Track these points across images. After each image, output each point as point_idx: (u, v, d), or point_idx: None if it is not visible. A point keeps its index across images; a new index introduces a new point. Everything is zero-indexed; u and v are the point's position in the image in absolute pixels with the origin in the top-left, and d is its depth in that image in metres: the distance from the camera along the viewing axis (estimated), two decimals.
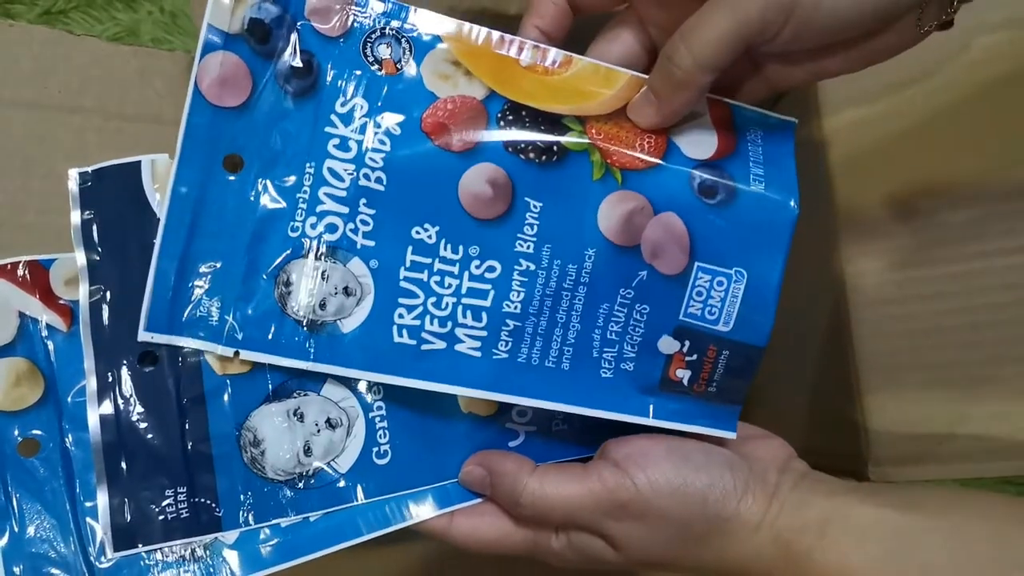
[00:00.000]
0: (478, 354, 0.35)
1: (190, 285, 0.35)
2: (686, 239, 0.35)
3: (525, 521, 0.36)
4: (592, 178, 0.35)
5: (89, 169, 0.36)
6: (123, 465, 0.35)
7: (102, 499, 0.35)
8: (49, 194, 0.48)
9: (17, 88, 0.48)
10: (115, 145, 0.50)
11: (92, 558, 0.34)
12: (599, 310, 0.36)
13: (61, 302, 0.36)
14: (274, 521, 0.36)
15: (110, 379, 0.35)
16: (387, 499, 0.37)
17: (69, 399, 0.35)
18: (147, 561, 0.35)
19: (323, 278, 0.35)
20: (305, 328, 0.35)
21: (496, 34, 0.36)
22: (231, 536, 0.35)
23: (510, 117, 0.35)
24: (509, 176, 0.35)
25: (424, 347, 0.35)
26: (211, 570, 0.35)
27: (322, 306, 0.35)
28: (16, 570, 0.34)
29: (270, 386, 0.36)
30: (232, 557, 0.35)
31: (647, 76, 0.36)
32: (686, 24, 0.33)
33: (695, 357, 0.36)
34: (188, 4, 0.48)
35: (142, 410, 0.35)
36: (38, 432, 0.35)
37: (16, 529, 0.34)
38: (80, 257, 0.35)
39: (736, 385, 0.37)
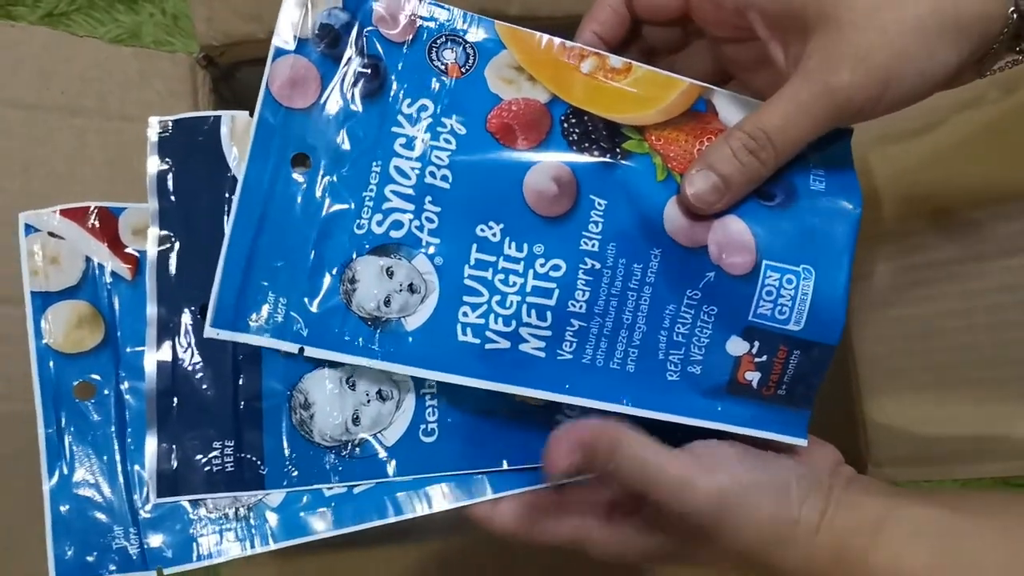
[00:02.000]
0: (542, 354, 0.35)
1: (257, 282, 0.35)
2: (751, 240, 0.35)
3: (607, 479, 0.34)
4: (656, 179, 0.36)
5: (169, 119, 0.36)
6: (174, 413, 0.35)
7: (151, 444, 0.35)
8: (50, 195, 0.48)
9: (18, 89, 0.49)
10: (116, 146, 0.50)
11: (137, 506, 0.34)
12: (665, 311, 0.36)
13: (128, 251, 0.36)
14: (317, 486, 0.35)
15: (170, 327, 0.35)
16: (431, 479, 0.36)
17: (128, 349, 0.36)
18: (191, 515, 0.35)
19: (388, 275, 0.35)
20: (369, 325, 0.35)
21: (557, 41, 0.37)
22: (275, 499, 0.35)
23: (573, 120, 0.36)
24: (574, 174, 0.35)
25: (488, 346, 0.35)
26: (252, 531, 0.35)
27: (387, 303, 0.35)
28: (62, 509, 0.34)
29: None
30: (274, 520, 0.35)
31: (707, 85, 0.37)
32: (771, 117, 0.33)
33: (765, 358, 0.36)
34: (189, 6, 0.48)
35: (199, 360, 0.35)
36: (95, 376, 0.35)
37: (66, 471, 0.34)
38: (152, 203, 0.35)
39: (806, 387, 0.36)
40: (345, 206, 0.35)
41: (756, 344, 0.36)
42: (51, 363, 0.35)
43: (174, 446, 0.35)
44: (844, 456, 0.38)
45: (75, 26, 0.80)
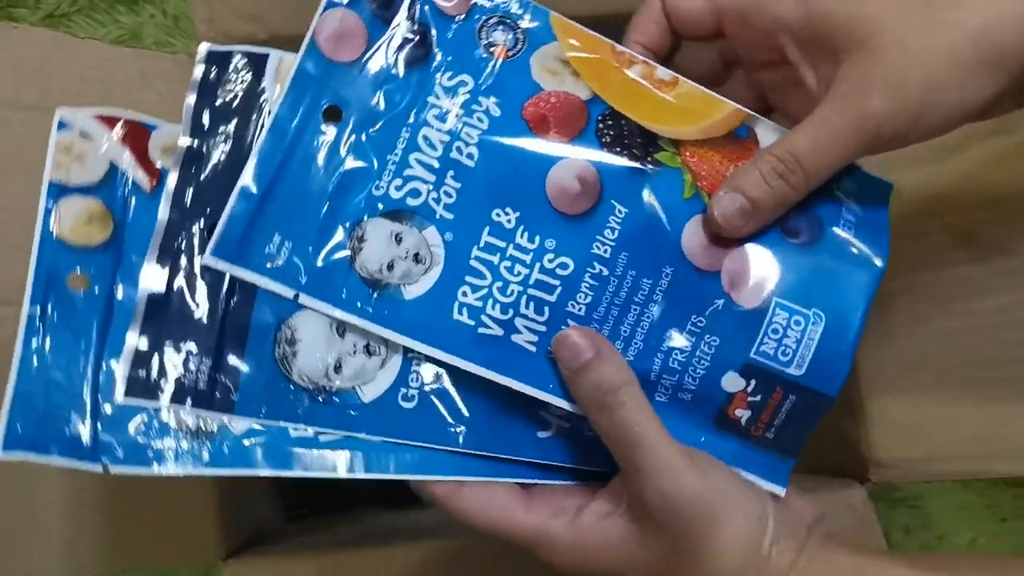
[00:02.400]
0: (533, 348, 0.35)
1: (266, 222, 0.34)
2: (768, 276, 0.35)
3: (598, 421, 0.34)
4: (682, 195, 0.35)
5: (218, 48, 0.36)
6: (160, 319, 0.34)
7: (130, 342, 0.34)
8: None
9: (19, 90, 0.49)
10: None
11: (100, 400, 0.34)
12: (666, 333, 0.35)
13: (153, 164, 0.36)
14: (284, 424, 0.35)
15: (176, 237, 0.35)
16: (399, 447, 0.35)
17: (132, 256, 0.35)
18: (152, 420, 0.34)
19: (396, 241, 0.35)
20: (368, 286, 0.35)
21: (609, 43, 0.37)
22: (239, 427, 0.34)
23: (609, 122, 0.36)
24: (599, 175, 0.35)
25: (481, 330, 0.35)
26: (207, 451, 0.34)
27: (390, 267, 0.35)
28: (26, 388, 0.33)
29: None
30: (230, 447, 0.34)
31: (752, 113, 0.37)
32: (801, 141, 0.33)
33: (759, 398, 0.35)
34: (190, 7, 0.48)
35: (196, 276, 0.35)
36: (92, 272, 0.35)
37: (37, 348, 0.34)
38: (187, 121, 0.35)
39: (795, 434, 0.36)
40: (367, 165, 0.35)
41: (753, 382, 0.35)
42: (52, 250, 0.35)
43: (153, 352, 0.34)
44: (845, 457, 0.38)
45: (76, 27, 0.80)
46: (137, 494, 0.48)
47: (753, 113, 0.37)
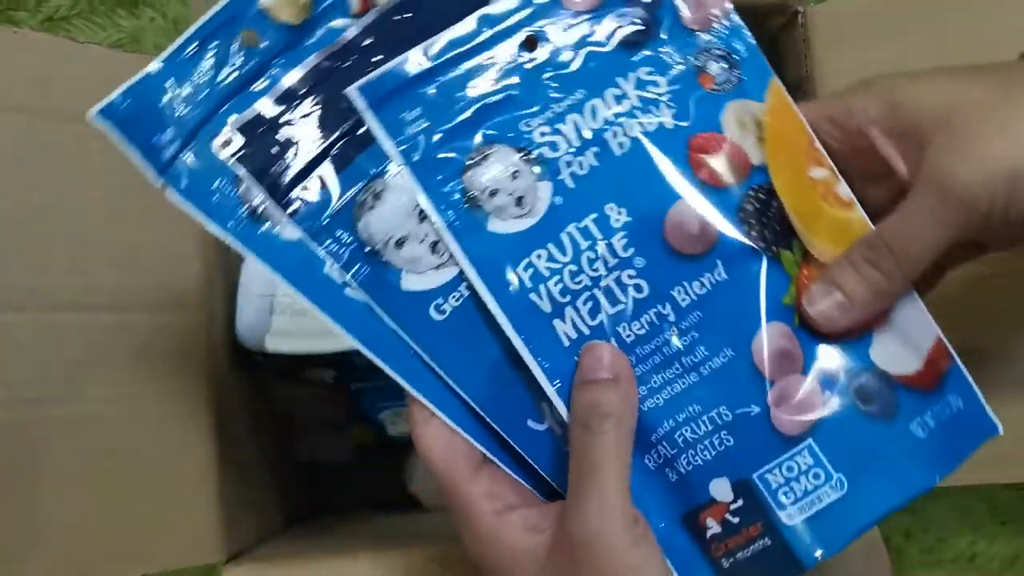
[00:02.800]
0: (567, 343, 0.34)
1: (418, 93, 0.35)
2: (816, 416, 0.34)
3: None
4: (782, 298, 0.35)
5: None
6: (287, 109, 0.35)
7: (256, 108, 0.35)
8: (52, 202, 0.48)
9: (19, 95, 0.49)
10: (118, 152, 0.50)
11: (199, 137, 0.35)
12: (689, 408, 0.34)
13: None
14: (326, 255, 0.35)
15: (344, 57, 0.36)
16: (403, 345, 0.35)
17: (304, 51, 0.36)
18: (224, 180, 0.35)
19: (512, 175, 0.35)
20: (465, 202, 0.35)
21: (811, 134, 0.36)
22: (290, 233, 0.35)
23: (761, 196, 0.35)
24: (720, 235, 0.35)
25: (532, 296, 0.35)
26: (252, 235, 0.35)
27: (492, 194, 0.35)
28: (151, 84, 0.35)
29: None
30: (273, 244, 0.35)
31: None
32: (890, 225, 0.33)
33: (736, 520, 0.34)
34: (190, 11, 0.48)
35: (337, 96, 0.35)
36: (266, 40, 0.36)
37: (183, 61, 0.35)
38: None
39: None
40: (531, 100, 0.35)
41: (740, 502, 0.34)
42: (245, 2, 0.36)
43: (264, 129, 0.35)
44: None
45: (76, 31, 0.80)
46: (138, 497, 0.49)
47: None
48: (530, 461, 0.35)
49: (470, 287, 0.35)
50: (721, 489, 0.34)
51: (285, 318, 0.54)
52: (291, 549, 0.55)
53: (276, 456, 0.64)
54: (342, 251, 0.35)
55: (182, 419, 0.50)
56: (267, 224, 0.35)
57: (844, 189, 0.36)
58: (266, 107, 0.35)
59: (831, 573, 0.44)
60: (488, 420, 0.35)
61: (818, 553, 0.33)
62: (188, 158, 0.35)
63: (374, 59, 0.36)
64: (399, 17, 0.36)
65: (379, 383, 0.60)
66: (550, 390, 0.34)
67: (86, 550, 0.47)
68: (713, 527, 0.34)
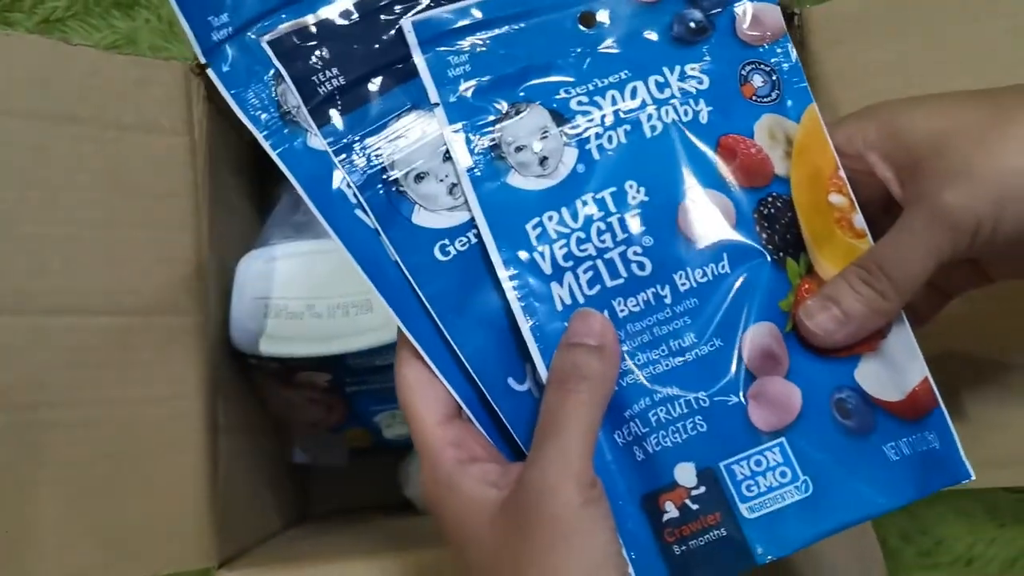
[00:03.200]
0: (560, 307, 0.35)
1: (467, 39, 0.36)
2: (791, 416, 0.34)
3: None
4: (779, 302, 0.35)
5: None
6: (344, 21, 0.37)
7: (317, 14, 0.36)
8: (48, 204, 0.48)
9: (14, 97, 0.49)
10: (112, 154, 0.50)
11: (248, 31, 0.36)
12: (668, 389, 0.34)
13: None
14: (344, 170, 0.35)
15: None
16: (406, 285, 0.35)
17: None
18: (266, 81, 0.36)
19: (541, 135, 0.36)
20: (491, 152, 0.36)
21: (837, 161, 0.37)
22: (316, 142, 0.36)
23: (779, 204, 0.36)
24: (731, 231, 0.35)
25: (535, 255, 0.35)
26: (280, 134, 0.36)
27: (518, 149, 0.36)
28: None
29: None
30: (297, 150, 0.36)
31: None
32: (882, 247, 0.34)
33: (696, 508, 0.33)
34: None
35: (394, 23, 0.37)
36: None
37: None
38: None
39: (699, 571, 0.33)
40: (575, 69, 0.37)
41: (702, 489, 0.33)
42: None
43: (315, 38, 0.36)
44: None
45: (71, 32, 0.80)
46: (132, 500, 0.49)
47: (903, 314, 0.36)
48: (503, 419, 0.35)
49: (478, 235, 0.35)
50: (685, 474, 0.34)
51: (279, 321, 0.54)
52: (285, 553, 0.55)
53: (271, 460, 0.64)
54: (362, 171, 0.35)
55: (176, 422, 0.50)
56: (295, 129, 0.36)
57: (859, 220, 0.36)
58: (322, 19, 0.36)
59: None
60: (470, 371, 0.35)
61: (770, 551, 0.33)
62: (236, 46, 0.36)
63: (434, 2, 0.37)
64: None
65: (374, 386, 0.60)
66: (535, 351, 0.34)
67: (80, 554, 0.47)
68: (671, 511, 0.33)
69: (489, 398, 0.35)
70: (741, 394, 0.34)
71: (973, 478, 0.35)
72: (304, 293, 0.54)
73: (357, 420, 0.65)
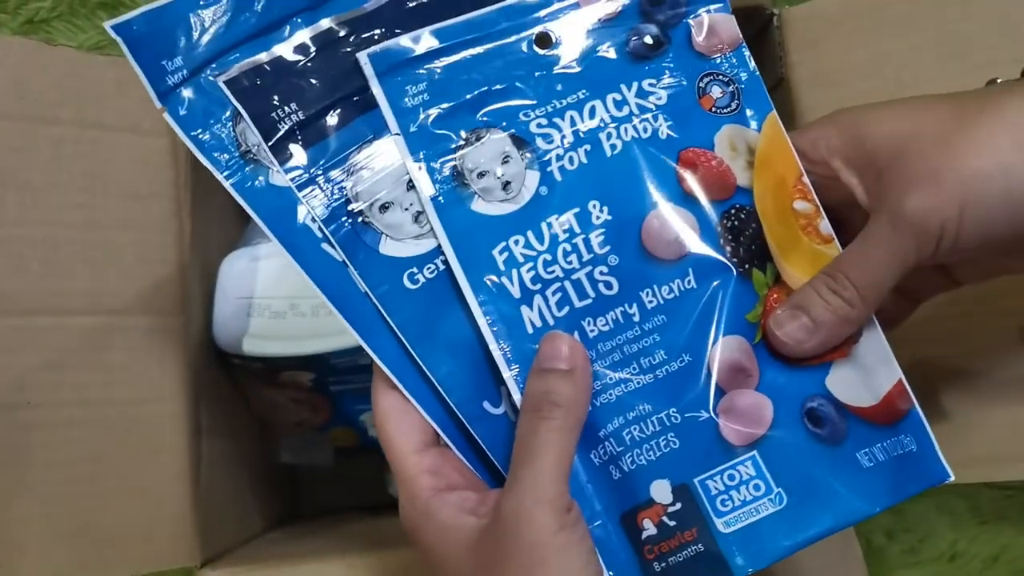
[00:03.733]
0: (531, 330, 0.35)
1: (425, 70, 0.36)
2: (762, 430, 0.34)
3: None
4: (747, 314, 0.35)
5: None
6: (301, 58, 0.37)
7: (261, 56, 0.36)
8: (28, 205, 0.48)
9: None
10: (93, 155, 0.50)
11: (205, 71, 0.36)
12: (640, 407, 0.34)
13: None
14: (309, 203, 0.35)
15: (367, 26, 0.37)
16: (373, 311, 0.35)
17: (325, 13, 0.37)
18: (221, 117, 0.36)
19: (503, 160, 0.36)
20: (453, 179, 0.36)
21: (801, 169, 0.37)
22: (279, 179, 0.36)
23: (742, 216, 0.36)
24: (694, 245, 0.35)
25: (503, 280, 0.35)
26: (239, 173, 0.35)
27: (480, 175, 0.36)
28: (172, 10, 0.36)
29: None
30: (258, 188, 0.36)
31: (872, 316, 0.35)
32: (847, 255, 0.34)
33: (673, 524, 0.33)
34: None
35: (349, 54, 0.37)
36: None
37: None
38: None
39: None
40: (533, 92, 0.37)
41: (678, 506, 0.34)
42: None
43: (271, 75, 0.36)
44: None
45: (56, 33, 0.80)
46: (114, 500, 0.49)
47: (875, 319, 0.36)
48: (480, 443, 0.35)
49: (446, 262, 0.35)
50: (661, 491, 0.34)
51: (263, 320, 0.54)
52: (268, 552, 0.55)
53: (255, 460, 0.64)
54: (326, 205, 0.35)
55: (158, 422, 0.50)
56: (257, 167, 0.36)
57: (825, 225, 0.36)
58: (277, 56, 0.36)
59: None
60: (444, 396, 0.35)
61: (749, 565, 0.33)
62: (191, 89, 0.36)
63: (388, 33, 0.37)
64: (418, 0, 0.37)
65: (359, 385, 0.60)
66: (507, 374, 0.34)
67: (62, 554, 0.47)
68: (649, 528, 0.34)
69: (465, 422, 0.35)
70: (712, 409, 0.34)
71: (952, 478, 0.35)
72: (287, 292, 0.54)
73: (342, 419, 0.65)
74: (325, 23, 0.37)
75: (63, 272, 0.49)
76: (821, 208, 0.36)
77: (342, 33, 0.37)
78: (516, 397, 0.34)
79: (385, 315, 0.35)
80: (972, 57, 0.48)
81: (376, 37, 0.37)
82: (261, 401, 0.62)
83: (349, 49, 0.37)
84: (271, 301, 0.54)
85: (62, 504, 0.47)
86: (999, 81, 0.37)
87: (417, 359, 0.35)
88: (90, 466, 0.48)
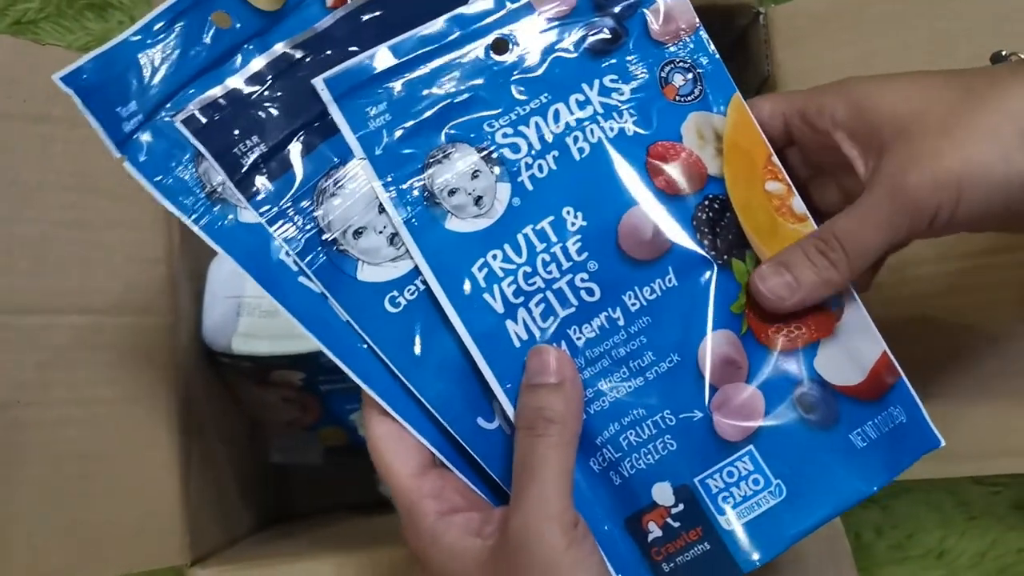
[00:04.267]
0: (518, 344, 0.35)
1: (384, 88, 0.36)
2: (756, 423, 0.34)
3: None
4: (731, 306, 0.35)
5: None
6: (255, 91, 0.36)
7: (217, 90, 0.35)
8: (16, 204, 0.48)
9: None
10: (82, 154, 0.50)
11: (161, 113, 0.35)
12: (634, 411, 0.35)
13: None
14: (281, 241, 0.35)
15: (319, 48, 0.36)
16: (355, 336, 0.35)
17: (275, 38, 0.36)
18: (182, 158, 0.35)
19: (472, 175, 0.36)
20: (425, 200, 0.35)
21: (769, 150, 0.37)
22: (247, 216, 0.35)
23: (716, 206, 0.36)
24: (672, 242, 0.35)
25: (486, 296, 0.35)
26: (207, 216, 0.35)
27: (451, 193, 0.35)
28: (117, 54, 0.35)
29: None
30: (226, 226, 0.35)
31: (854, 292, 0.36)
32: (841, 221, 0.35)
33: (677, 525, 0.34)
34: None
35: (308, 74, 0.36)
36: (238, 23, 0.36)
37: (150, 33, 0.35)
38: None
39: None
40: (496, 101, 0.36)
41: (681, 507, 0.34)
42: None
43: (229, 109, 0.35)
44: None
45: (44, 34, 0.80)
46: (104, 499, 0.48)
47: (854, 292, 0.36)
48: (478, 459, 0.35)
49: (425, 282, 0.35)
50: (663, 493, 0.34)
51: (252, 319, 0.54)
52: (258, 551, 0.55)
53: (245, 459, 0.64)
54: (299, 237, 0.35)
55: (149, 421, 0.50)
56: (224, 205, 0.35)
57: (798, 203, 0.36)
58: (232, 88, 0.35)
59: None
60: (438, 417, 0.35)
61: (755, 557, 0.34)
62: (149, 132, 0.35)
63: (344, 52, 0.36)
64: (371, 13, 0.37)
65: (349, 384, 0.59)
66: (499, 391, 0.34)
67: (52, 552, 0.47)
68: (654, 531, 0.34)
69: (461, 440, 0.35)
70: (706, 407, 0.34)
71: (943, 444, 0.35)
72: None
73: (332, 419, 0.65)
74: (279, 48, 0.36)
75: (53, 271, 0.49)
76: (792, 186, 0.36)
77: (297, 56, 0.36)
78: (509, 412, 0.34)
79: (370, 342, 0.35)
80: (957, 54, 0.48)
81: (331, 56, 0.36)
82: (251, 400, 0.62)
83: (305, 73, 0.36)
84: (261, 300, 0.54)
85: (52, 503, 0.47)
86: (1004, 54, 0.37)
87: (406, 382, 0.35)
88: (80, 465, 0.48)
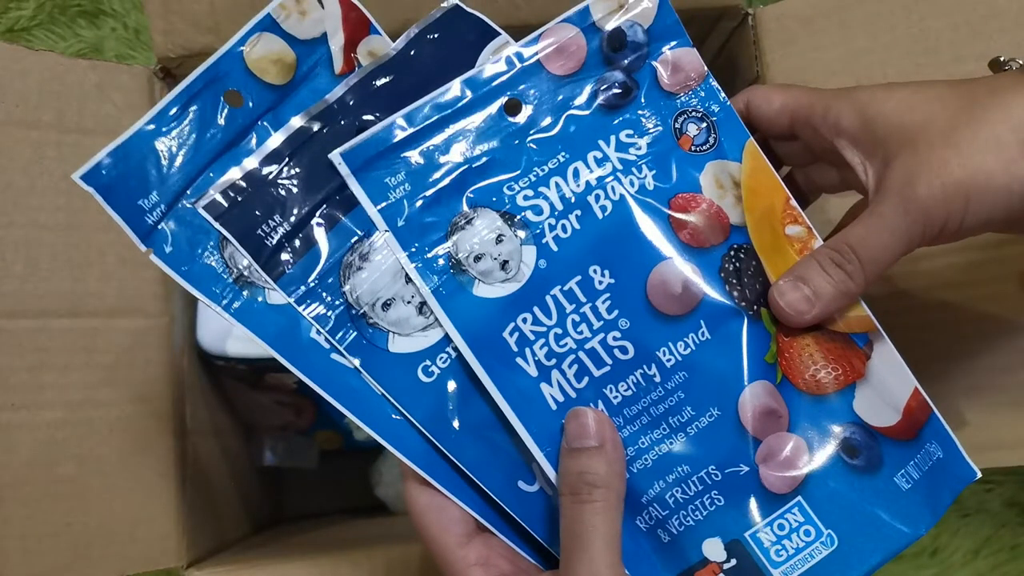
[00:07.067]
0: (554, 406, 0.34)
1: (401, 158, 0.36)
2: (802, 473, 0.34)
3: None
4: (764, 356, 0.35)
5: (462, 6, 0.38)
6: (272, 171, 0.35)
7: (233, 172, 0.35)
8: (8, 208, 0.48)
9: None
10: (73, 159, 0.50)
11: (182, 200, 0.35)
12: (678, 468, 0.34)
13: (355, 57, 0.38)
14: (313, 320, 0.35)
15: (332, 120, 0.36)
16: (391, 409, 0.35)
17: (288, 111, 0.37)
18: (207, 245, 0.35)
19: (497, 240, 0.35)
20: (451, 268, 0.35)
21: (787, 193, 0.37)
22: (275, 298, 0.35)
23: (742, 255, 0.36)
24: (702, 297, 0.35)
25: (519, 360, 0.35)
26: (237, 301, 0.35)
27: (477, 259, 0.35)
28: (132, 146, 0.35)
29: None
30: (257, 310, 0.35)
31: (879, 328, 0.36)
32: (854, 231, 0.35)
33: None
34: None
35: (321, 154, 0.36)
36: (250, 101, 0.36)
37: (165, 121, 0.35)
38: (403, 39, 0.37)
39: None
40: (514, 163, 0.36)
41: (733, 562, 0.33)
42: (232, 62, 0.36)
43: (250, 189, 0.35)
44: None
45: (36, 41, 0.80)
46: (98, 502, 0.48)
47: (881, 329, 0.36)
48: (522, 523, 0.35)
49: (456, 348, 0.35)
50: (714, 549, 0.34)
51: None
52: (253, 554, 0.55)
53: (240, 462, 0.64)
54: (329, 315, 0.35)
55: (143, 424, 0.50)
56: (252, 288, 0.35)
57: (819, 245, 0.36)
58: (250, 169, 0.35)
59: None
60: (479, 483, 0.34)
61: None
62: (172, 221, 0.35)
63: (358, 120, 0.36)
64: (382, 80, 0.37)
65: None
66: (539, 455, 0.34)
67: (47, 554, 0.47)
68: None
69: (503, 505, 0.35)
70: (751, 461, 0.34)
71: (979, 476, 0.35)
72: None
73: (327, 422, 0.66)
74: (293, 123, 0.36)
75: (45, 274, 0.49)
76: (812, 228, 0.37)
77: (312, 130, 0.36)
78: (550, 474, 0.34)
79: (406, 413, 0.34)
80: (943, 53, 0.49)
81: (345, 126, 0.36)
82: (246, 404, 0.62)
83: (321, 146, 0.36)
84: None
85: (46, 505, 0.47)
86: (1003, 60, 0.38)
87: (444, 450, 0.34)
88: (74, 467, 0.48)
